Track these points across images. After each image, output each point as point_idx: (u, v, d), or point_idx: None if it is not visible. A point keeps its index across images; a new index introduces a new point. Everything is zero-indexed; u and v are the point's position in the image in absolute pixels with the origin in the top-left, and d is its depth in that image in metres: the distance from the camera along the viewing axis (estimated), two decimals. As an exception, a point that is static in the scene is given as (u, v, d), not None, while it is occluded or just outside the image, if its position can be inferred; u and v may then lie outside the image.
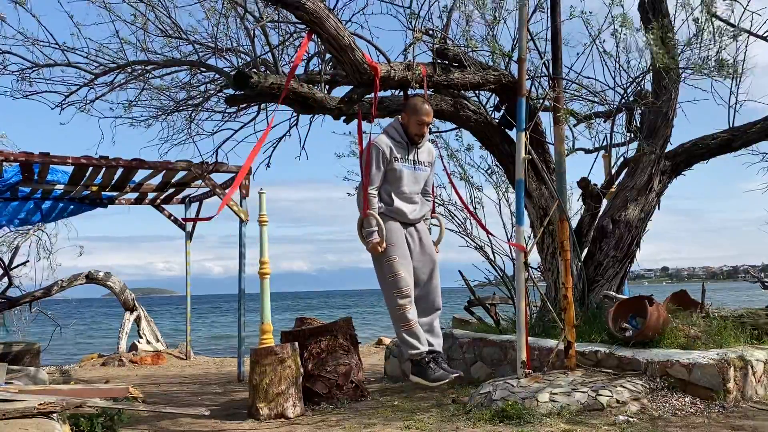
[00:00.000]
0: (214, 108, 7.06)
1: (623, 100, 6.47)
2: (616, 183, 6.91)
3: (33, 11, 5.84)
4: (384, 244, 4.16)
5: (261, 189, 6.68)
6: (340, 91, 5.69)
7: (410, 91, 5.31)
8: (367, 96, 5.30)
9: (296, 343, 5.60)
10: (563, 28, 5.61)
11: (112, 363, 10.09)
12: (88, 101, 6.59)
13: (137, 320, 11.23)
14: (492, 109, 6.61)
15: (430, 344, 4.26)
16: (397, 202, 4.28)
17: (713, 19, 6.00)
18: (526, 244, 5.46)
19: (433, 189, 4.65)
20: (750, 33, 6.11)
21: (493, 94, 6.52)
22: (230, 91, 5.88)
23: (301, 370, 5.55)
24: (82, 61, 6.27)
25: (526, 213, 6.14)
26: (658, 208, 6.87)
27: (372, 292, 78.28)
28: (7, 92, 6.38)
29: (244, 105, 6.45)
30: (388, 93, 5.74)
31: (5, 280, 10.85)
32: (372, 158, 4.24)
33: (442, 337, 4.45)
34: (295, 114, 6.68)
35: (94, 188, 8.58)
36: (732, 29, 5.99)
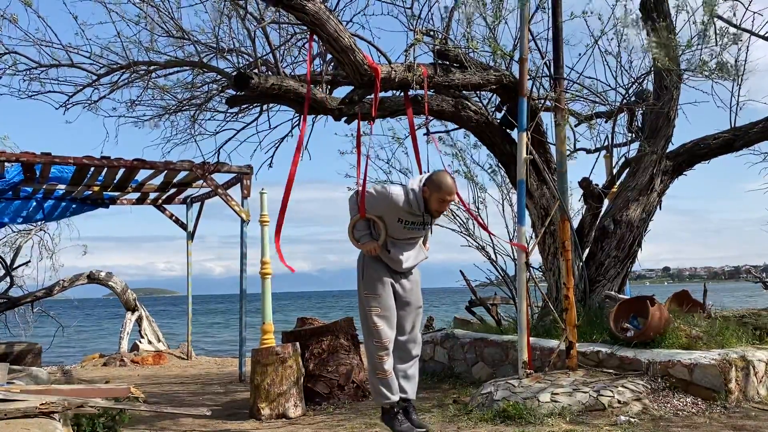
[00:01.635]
0: (216, 108, 7.07)
1: (624, 101, 6.47)
2: (618, 183, 6.91)
3: (39, 12, 5.87)
4: (380, 245, 4.15)
5: (262, 189, 6.70)
6: (341, 92, 5.70)
7: (411, 92, 5.31)
8: (368, 97, 5.30)
9: (297, 344, 5.60)
10: (564, 28, 5.61)
11: (113, 363, 10.11)
12: (92, 101, 6.61)
13: (138, 320, 11.24)
14: (493, 109, 6.61)
15: (403, 390, 4.27)
16: (392, 251, 4.18)
17: (715, 20, 6.00)
18: (528, 244, 5.46)
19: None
20: (752, 33, 6.10)
21: (495, 95, 6.52)
22: (232, 92, 5.89)
23: (303, 371, 5.55)
24: (86, 61, 6.29)
25: (527, 213, 6.14)
26: (660, 208, 6.86)
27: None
28: (12, 92, 6.41)
29: (245, 106, 6.46)
30: (389, 94, 5.74)
31: (7, 280, 10.87)
32: (376, 202, 4.12)
33: (417, 382, 4.41)
34: (297, 114, 6.69)
35: (96, 188, 8.59)
36: (734, 30, 5.98)
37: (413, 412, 4.32)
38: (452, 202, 4.29)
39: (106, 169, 7.54)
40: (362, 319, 4.26)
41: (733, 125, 6.61)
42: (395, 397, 4.20)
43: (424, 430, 4.29)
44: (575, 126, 6.35)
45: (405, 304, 4.30)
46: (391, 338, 4.19)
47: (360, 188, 4.21)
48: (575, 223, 6.68)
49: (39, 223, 10.70)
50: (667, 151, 6.75)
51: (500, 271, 7.50)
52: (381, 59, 5.28)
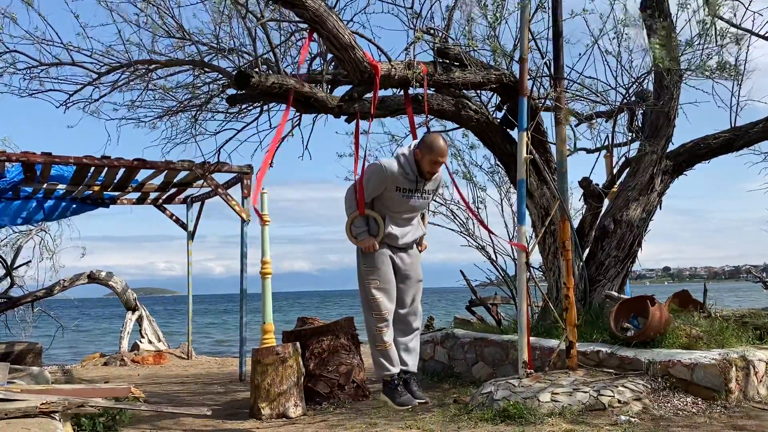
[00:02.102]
0: (216, 108, 7.07)
1: (625, 100, 6.47)
2: (618, 183, 6.91)
3: (39, 10, 5.87)
4: (377, 243, 4.16)
5: (263, 189, 6.70)
6: (341, 91, 5.69)
7: (411, 90, 5.31)
8: (368, 95, 5.30)
9: (298, 343, 5.61)
10: (565, 27, 5.60)
11: (113, 363, 10.11)
12: (93, 100, 6.61)
13: (139, 320, 11.25)
14: (493, 108, 6.61)
15: (404, 363, 4.29)
16: (390, 227, 4.23)
17: (715, 20, 5.99)
18: (528, 244, 5.46)
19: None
20: (753, 33, 6.10)
21: (495, 94, 6.51)
22: (232, 91, 5.89)
23: (303, 370, 5.55)
24: (86, 60, 6.29)
25: (527, 213, 6.14)
26: (660, 208, 6.86)
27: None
28: (13, 91, 6.41)
29: (245, 105, 6.45)
30: (388, 92, 5.74)
31: (8, 280, 10.88)
32: (371, 177, 4.18)
33: (419, 356, 4.45)
34: (297, 114, 6.69)
35: (96, 188, 8.60)
36: (735, 30, 5.98)
37: (414, 383, 4.34)
38: (444, 164, 4.34)
39: (106, 168, 7.54)
40: (361, 292, 4.28)
41: (733, 125, 6.60)
42: (395, 369, 4.22)
43: (424, 401, 4.32)
44: (575, 125, 6.34)
45: (405, 277, 4.34)
46: (391, 310, 4.22)
47: (357, 183, 4.23)
48: (575, 223, 6.68)
49: (39, 223, 10.70)
50: (668, 150, 6.74)
51: (500, 270, 7.50)
52: (381, 57, 5.29)
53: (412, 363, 4.35)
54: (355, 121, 5.17)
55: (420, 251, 4.51)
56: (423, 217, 4.54)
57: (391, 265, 4.27)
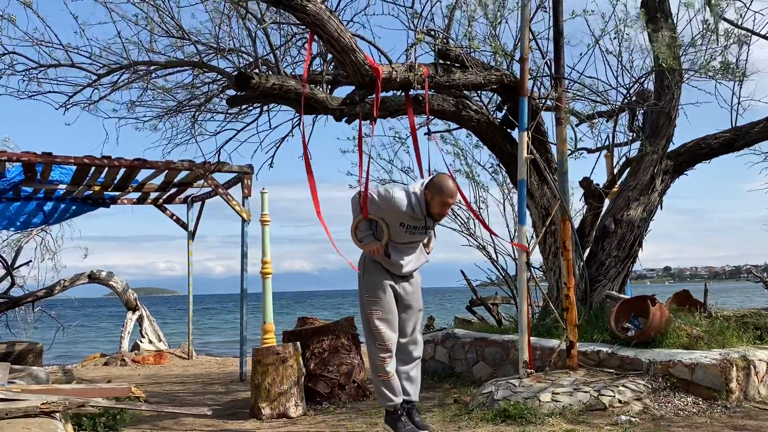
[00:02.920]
0: (216, 109, 7.07)
1: (626, 100, 6.47)
2: (619, 183, 6.91)
3: (38, 11, 5.86)
4: (382, 246, 4.14)
5: (263, 189, 6.70)
6: (342, 92, 5.69)
7: (411, 91, 5.31)
8: (369, 97, 5.29)
9: (298, 343, 5.61)
10: (565, 27, 5.60)
11: (114, 362, 10.12)
12: (92, 101, 6.61)
13: (139, 320, 11.25)
14: (494, 109, 6.61)
15: (406, 392, 4.27)
16: (393, 255, 4.17)
17: (718, 20, 5.99)
18: (529, 244, 5.46)
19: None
20: (754, 33, 6.10)
21: (495, 94, 6.52)
22: (232, 92, 5.89)
23: (303, 370, 5.55)
24: (86, 61, 6.29)
25: (528, 213, 6.14)
26: (661, 208, 6.86)
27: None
28: (12, 93, 6.40)
29: (245, 106, 6.46)
30: (389, 94, 5.74)
31: (8, 279, 10.88)
32: (377, 203, 4.10)
33: (420, 383, 4.42)
34: (297, 114, 6.69)
35: (97, 188, 8.60)
36: (739, 31, 5.98)
37: (416, 413, 4.32)
38: (453, 205, 4.28)
39: (107, 168, 7.55)
40: (364, 322, 4.27)
41: (733, 125, 6.60)
42: (398, 399, 4.21)
43: (427, 431, 4.30)
44: (576, 125, 6.34)
45: (406, 307, 4.30)
46: (394, 341, 4.20)
47: (362, 189, 4.21)
48: (576, 223, 6.68)
49: (38, 227, 10.70)
50: (668, 150, 6.74)
51: (501, 270, 7.51)
52: (382, 59, 5.28)
53: (414, 392, 4.33)
54: (355, 121, 5.18)
55: (428, 252, 4.47)
56: (428, 242, 4.46)
57: (393, 295, 4.23)
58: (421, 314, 4.44)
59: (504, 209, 7.57)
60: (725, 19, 6.01)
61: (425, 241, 4.40)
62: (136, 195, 9.68)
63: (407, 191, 4.12)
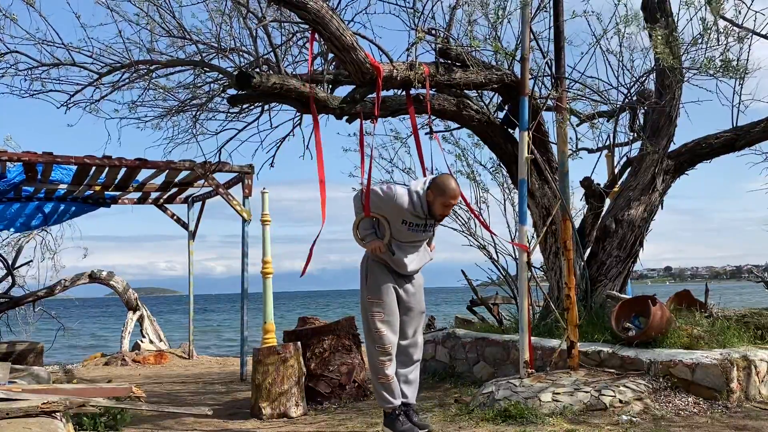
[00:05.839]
0: (217, 108, 7.07)
1: (626, 100, 6.46)
2: (619, 182, 6.90)
3: (41, 11, 5.86)
4: (385, 244, 4.14)
5: (264, 189, 6.71)
6: (342, 91, 5.69)
7: (412, 90, 5.30)
8: (370, 96, 5.29)
9: (299, 343, 5.61)
10: (566, 27, 5.60)
11: (115, 362, 10.12)
12: (94, 101, 6.61)
13: (140, 320, 11.25)
14: (495, 108, 6.61)
15: (404, 395, 4.28)
16: (397, 253, 4.16)
17: (719, 19, 5.98)
18: (529, 244, 5.46)
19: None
20: (754, 33, 6.09)
21: (496, 94, 6.51)
22: (233, 91, 5.89)
23: (304, 370, 5.55)
24: (87, 60, 6.29)
25: (529, 212, 6.14)
26: (662, 208, 6.85)
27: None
28: (14, 92, 6.40)
29: (246, 105, 6.45)
30: (390, 93, 5.74)
31: (9, 279, 10.89)
32: (379, 199, 4.10)
33: (418, 385, 4.44)
34: (298, 114, 6.69)
35: (97, 188, 8.60)
36: (738, 30, 5.97)
37: (414, 414, 4.32)
38: (455, 205, 4.29)
39: (107, 168, 7.55)
40: (365, 323, 4.26)
41: (734, 124, 6.60)
42: (397, 402, 4.22)
43: (426, 429, 4.30)
44: (577, 125, 6.34)
45: (408, 309, 4.29)
46: (394, 343, 4.19)
47: (364, 188, 4.21)
48: (577, 223, 6.67)
49: (38, 228, 10.70)
50: (669, 150, 6.74)
51: (502, 270, 7.50)
52: (383, 58, 5.28)
53: (412, 395, 4.33)
54: (356, 120, 5.17)
55: (431, 250, 4.47)
56: (430, 240, 4.45)
57: (395, 297, 4.23)
58: (423, 316, 4.44)
59: (505, 209, 7.57)
60: (724, 18, 6.01)
61: (429, 239, 4.40)
62: (136, 195, 9.69)
63: (409, 189, 4.14)
